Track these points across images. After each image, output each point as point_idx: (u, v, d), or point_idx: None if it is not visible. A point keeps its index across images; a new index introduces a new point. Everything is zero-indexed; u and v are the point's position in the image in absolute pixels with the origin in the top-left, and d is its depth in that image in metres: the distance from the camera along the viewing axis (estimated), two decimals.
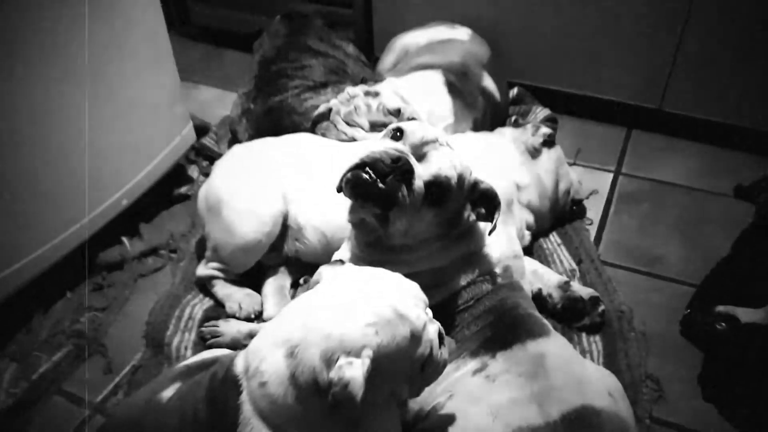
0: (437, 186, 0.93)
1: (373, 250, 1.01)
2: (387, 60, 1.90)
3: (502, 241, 1.19)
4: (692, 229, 1.56)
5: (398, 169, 0.91)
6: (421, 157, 0.94)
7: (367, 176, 0.91)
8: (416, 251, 0.99)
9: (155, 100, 1.51)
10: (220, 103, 2.16)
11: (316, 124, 1.55)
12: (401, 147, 0.94)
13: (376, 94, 1.50)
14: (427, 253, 0.99)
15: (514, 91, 1.99)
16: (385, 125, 1.46)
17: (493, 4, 1.91)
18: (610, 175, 1.76)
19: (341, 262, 0.85)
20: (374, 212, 0.93)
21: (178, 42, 2.57)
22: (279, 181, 1.32)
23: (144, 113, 1.48)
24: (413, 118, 1.46)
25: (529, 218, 1.42)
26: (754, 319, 1.21)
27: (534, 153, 1.48)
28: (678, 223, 1.58)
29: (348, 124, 1.48)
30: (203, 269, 1.34)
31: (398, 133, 0.97)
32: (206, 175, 1.75)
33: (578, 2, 1.79)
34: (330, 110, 1.53)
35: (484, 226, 1.02)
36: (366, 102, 1.48)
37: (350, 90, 1.51)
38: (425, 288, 0.96)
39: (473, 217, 1.01)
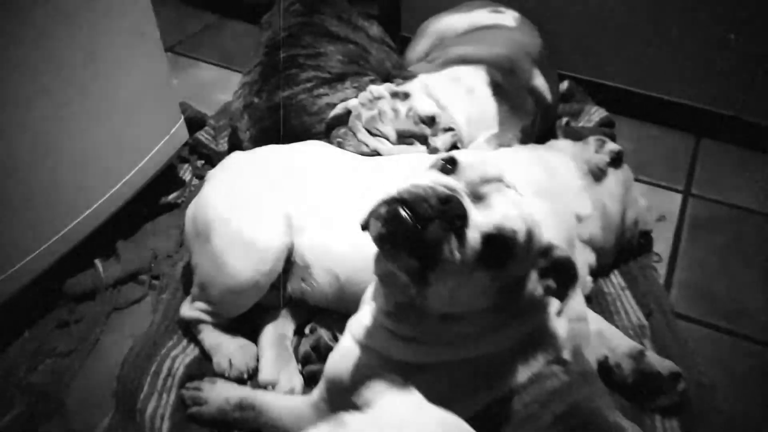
0: (499, 241, 0.68)
1: (404, 316, 0.76)
2: (418, 47, 1.60)
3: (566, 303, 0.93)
4: None
5: (447, 213, 0.66)
6: (479, 200, 0.69)
7: (405, 215, 0.65)
8: (460, 325, 0.74)
9: (137, 92, 1.24)
10: (222, 85, 1.89)
11: (330, 128, 1.28)
12: (454, 184, 0.69)
13: (406, 96, 1.22)
14: (475, 331, 0.74)
15: (563, 85, 1.69)
16: (415, 136, 1.19)
17: None
18: (679, 197, 1.48)
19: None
20: (409, 267, 0.67)
21: (177, 11, 2.29)
22: (284, 205, 1.06)
23: (123, 110, 1.21)
24: (450, 129, 1.19)
25: (591, 259, 1.15)
26: None
27: (598, 175, 1.21)
28: (764, 262, 1.31)
29: (370, 132, 1.21)
30: (188, 309, 1.10)
31: (450, 165, 0.71)
32: (200, 177, 1.50)
33: None
34: (348, 112, 1.26)
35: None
36: (393, 106, 1.20)
37: (373, 89, 1.23)
38: (472, 385, 0.72)
39: (540, 290, 0.74)
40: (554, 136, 1.54)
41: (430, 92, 1.24)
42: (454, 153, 0.72)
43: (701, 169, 1.56)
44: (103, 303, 1.18)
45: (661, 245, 1.33)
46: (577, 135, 1.54)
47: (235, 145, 1.48)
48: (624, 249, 1.26)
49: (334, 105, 1.33)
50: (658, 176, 1.53)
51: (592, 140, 1.25)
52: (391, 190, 0.67)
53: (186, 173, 1.51)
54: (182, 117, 1.38)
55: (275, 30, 1.52)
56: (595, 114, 1.63)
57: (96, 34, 1.10)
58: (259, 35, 1.72)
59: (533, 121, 1.36)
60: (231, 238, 1.03)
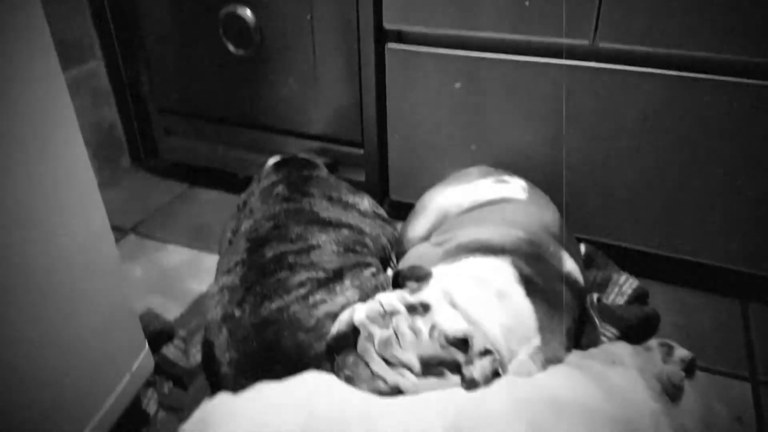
0: None
1: None
2: (418, 225, 1.42)
3: None
4: None
5: None
6: None
7: None
8: None
9: (87, 327, 0.97)
10: (192, 271, 1.65)
11: (334, 351, 1.02)
12: None
13: (426, 309, 0.99)
14: None
15: (582, 251, 1.51)
16: (444, 362, 0.95)
17: (550, 143, 1.47)
18: (747, 387, 1.25)
19: None
20: None
21: (144, 180, 2.11)
22: None
23: (68, 348, 0.93)
24: (488, 351, 0.95)
25: None
26: None
27: (674, 393, 0.97)
28: None
29: (385, 360, 0.96)
30: None
31: None
32: (170, 408, 1.20)
33: (683, 147, 1.36)
34: (354, 329, 1.01)
35: None
36: (412, 324, 0.97)
37: (385, 302, 1.01)
38: None
39: None
40: (587, 317, 1.33)
41: (453, 301, 1.01)
42: None
43: (760, 343, 1.35)
44: None
45: None
46: (613, 315, 1.33)
47: (210, 359, 1.20)
48: None
49: (334, 314, 1.09)
50: (715, 359, 1.30)
51: (655, 346, 1.04)
52: None
53: (150, 403, 1.21)
54: (146, 345, 1.10)
55: (257, 219, 1.32)
56: (626, 284, 1.43)
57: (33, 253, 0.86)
58: (235, 213, 1.53)
59: (574, 318, 1.14)
60: None
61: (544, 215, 1.30)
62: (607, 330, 1.26)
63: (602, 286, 1.45)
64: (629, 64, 1.31)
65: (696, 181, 1.37)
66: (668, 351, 1.02)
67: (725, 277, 1.46)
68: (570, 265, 1.19)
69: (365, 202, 1.50)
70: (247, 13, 1.66)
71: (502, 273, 1.08)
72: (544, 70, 1.38)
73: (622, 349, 1.04)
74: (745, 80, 1.23)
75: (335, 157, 1.75)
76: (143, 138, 2.12)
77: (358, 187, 1.59)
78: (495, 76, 1.43)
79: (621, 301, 1.39)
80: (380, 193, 1.76)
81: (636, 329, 1.28)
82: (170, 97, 1.92)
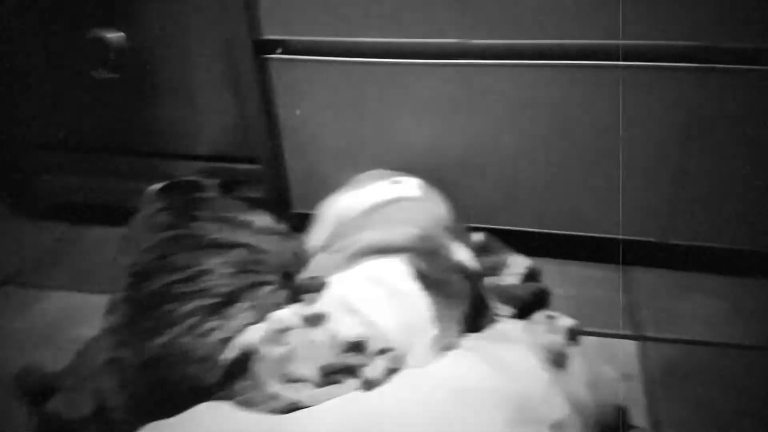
0: None
1: None
2: (317, 236, 1.40)
3: None
4: None
5: None
6: None
7: None
8: None
9: None
10: (82, 316, 1.53)
11: (230, 378, 0.99)
12: None
13: (321, 319, 0.98)
14: None
15: (479, 239, 1.57)
16: (343, 370, 0.94)
17: (443, 140, 1.51)
18: (632, 345, 1.34)
19: None
20: None
21: (18, 226, 1.93)
22: None
23: None
24: (387, 350, 0.96)
25: None
26: None
27: (560, 360, 1.03)
28: (746, 408, 1.17)
29: (284, 377, 0.93)
30: None
31: None
32: None
33: (557, 131, 1.44)
34: (249, 355, 0.98)
35: None
36: (308, 336, 0.96)
37: (280, 316, 0.99)
38: None
39: None
40: (481, 301, 1.38)
41: (349, 305, 1.01)
42: None
43: (643, 302, 1.46)
44: None
45: (637, 412, 1.16)
46: (507, 295, 1.39)
47: (100, 406, 1.11)
48: None
49: (229, 340, 1.05)
50: (601, 323, 1.40)
51: (540, 319, 1.09)
52: None
53: None
54: (21, 405, 1.01)
55: (138, 256, 1.24)
56: (518, 265, 1.50)
57: None
58: (121, 249, 1.44)
59: (470, 303, 1.18)
60: None
61: (438, 211, 1.33)
62: (503, 309, 1.31)
63: (496, 269, 1.51)
64: (503, 59, 1.36)
65: (574, 158, 1.46)
66: (552, 321, 1.08)
67: (609, 248, 1.57)
68: (462, 254, 1.23)
69: (262, 219, 1.46)
70: (115, 35, 1.57)
71: (397, 271, 1.09)
72: (428, 71, 1.41)
73: (511, 326, 1.09)
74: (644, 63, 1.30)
75: (230, 175, 1.70)
76: (12, 179, 1.94)
77: (259, 203, 1.55)
78: (384, 81, 1.45)
79: (515, 281, 1.46)
80: (283, 207, 1.73)
81: (529, 306, 1.35)
82: (39, 131, 1.78)
